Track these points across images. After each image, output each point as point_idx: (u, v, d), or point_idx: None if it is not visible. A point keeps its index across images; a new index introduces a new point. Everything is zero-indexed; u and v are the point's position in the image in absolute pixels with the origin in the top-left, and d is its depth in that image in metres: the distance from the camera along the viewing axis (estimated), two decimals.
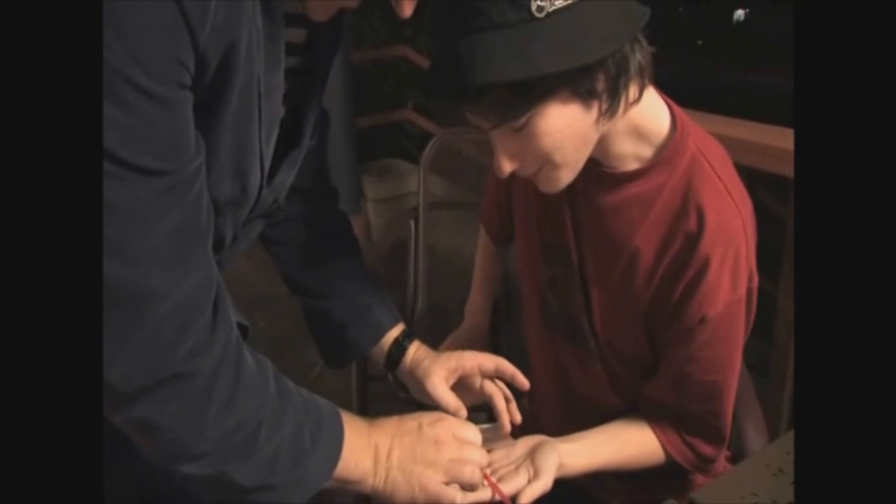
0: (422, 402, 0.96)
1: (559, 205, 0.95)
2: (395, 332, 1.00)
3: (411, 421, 0.83)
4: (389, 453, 0.79)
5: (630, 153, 0.87)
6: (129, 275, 0.57)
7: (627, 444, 0.96)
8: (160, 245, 0.59)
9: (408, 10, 0.67)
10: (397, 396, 1.05)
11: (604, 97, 0.77)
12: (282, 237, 1.00)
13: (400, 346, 0.99)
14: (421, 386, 0.95)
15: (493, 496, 0.83)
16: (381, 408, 0.89)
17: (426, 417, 0.84)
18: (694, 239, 0.85)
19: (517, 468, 0.87)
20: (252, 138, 0.69)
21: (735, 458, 1.08)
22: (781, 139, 1.47)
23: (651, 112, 0.86)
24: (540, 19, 0.69)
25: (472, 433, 0.86)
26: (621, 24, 0.74)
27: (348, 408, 0.80)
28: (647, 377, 0.96)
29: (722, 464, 1.03)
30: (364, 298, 1.00)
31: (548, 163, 0.81)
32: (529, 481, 0.86)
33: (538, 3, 0.69)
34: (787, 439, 0.81)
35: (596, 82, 0.75)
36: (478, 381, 0.96)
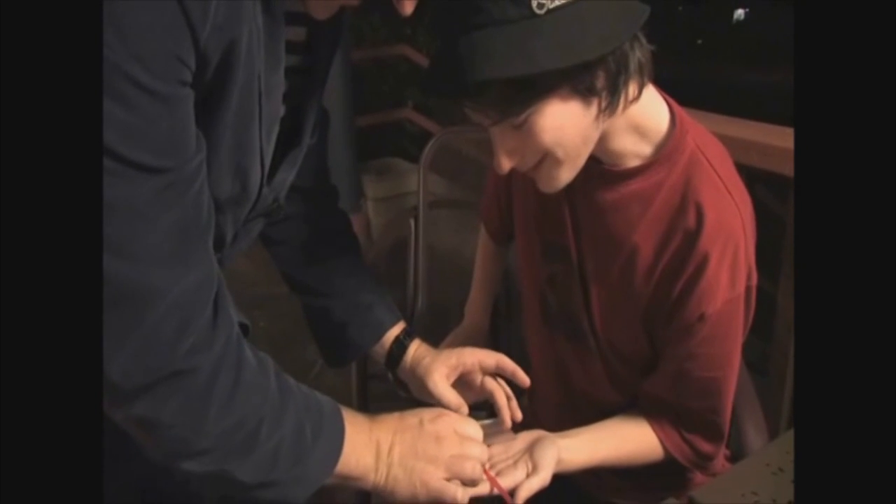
0: (422, 401, 0.96)
1: (559, 203, 0.96)
2: (396, 330, 1.00)
3: (412, 417, 0.83)
4: (391, 449, 0.79)
5: (629, 150, 0.88)
6: (129, 272, 0.57)
7: (626, 440, 0.96)
8: (160, 242, 0.59)
9: (408, 8, 0.67)
10: (397, 395, 1.05)
11: (603, 94, 0.77)
12: (282, 236, 1.00)
13: (401, 345, 0.99)
14: (422, 383, 0.95)
15: (492, 490, 0.83)
16: (381, 406, 0.89)
17: (427, 413, 0.84)
18: (693, 236, 0.85)
19: (516, 463, 0.87)
20: (252, 137, 0.69)
21: (735, 457, 1.08)
22: (781, 138, 1.47)
23: (650, 110, 0.87)
24: (540, 16, 0.69)
25: (473, 429, 0.86)
26: (621, 22, 0.74)
27: (348, 407, 0.79)
28: (647, 375, 0.96)
29: (720, 462, 1.03)
30: (364, 297, 0.99)
31: (548, 159, 0.81)
32: (528, 476, 0.86)
33: (539, 0, 0.69)
34: (787, 438, 0.81)
35: (596, 79, 0.75)
36: (478, 378, 0.95)
